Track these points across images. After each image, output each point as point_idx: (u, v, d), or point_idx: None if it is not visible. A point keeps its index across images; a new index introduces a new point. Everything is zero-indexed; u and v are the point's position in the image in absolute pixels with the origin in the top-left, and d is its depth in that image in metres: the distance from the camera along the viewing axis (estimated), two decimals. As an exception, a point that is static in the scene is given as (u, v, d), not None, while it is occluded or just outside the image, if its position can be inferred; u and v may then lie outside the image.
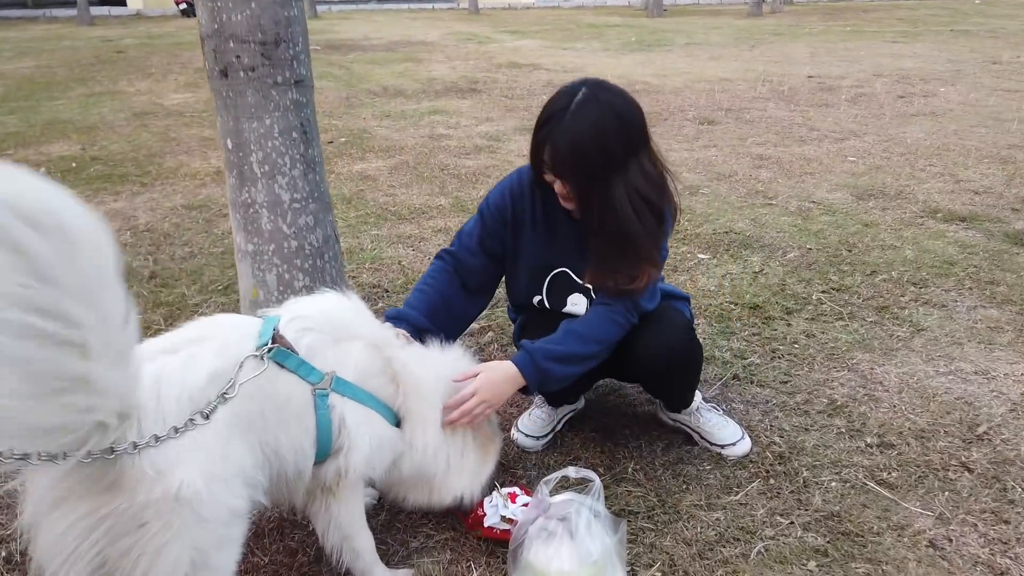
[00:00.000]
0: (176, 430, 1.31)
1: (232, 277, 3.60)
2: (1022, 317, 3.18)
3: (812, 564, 1.91)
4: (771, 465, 2.29)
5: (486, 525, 1.94)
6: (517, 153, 6.13)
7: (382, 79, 10.46)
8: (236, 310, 2.90)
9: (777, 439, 2.41)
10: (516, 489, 2.02)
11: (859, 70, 10.50)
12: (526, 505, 1.92)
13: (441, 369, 1.92)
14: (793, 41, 14.91)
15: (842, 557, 1.93)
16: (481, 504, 1.97)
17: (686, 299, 2.40)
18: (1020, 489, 2.16)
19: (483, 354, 2.96)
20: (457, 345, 2.04)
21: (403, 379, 1.78)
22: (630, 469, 2.29)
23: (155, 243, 4.19)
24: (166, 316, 3.26)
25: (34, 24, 21.49)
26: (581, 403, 2.60)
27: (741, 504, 2.13)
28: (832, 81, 9.57)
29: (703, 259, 3.87)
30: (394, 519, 2.10)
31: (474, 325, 3.08)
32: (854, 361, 2.87)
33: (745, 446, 2.35)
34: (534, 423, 2.45)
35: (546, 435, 2.44)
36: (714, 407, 2.44)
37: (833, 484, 2.20)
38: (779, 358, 2.90)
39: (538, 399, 2.48)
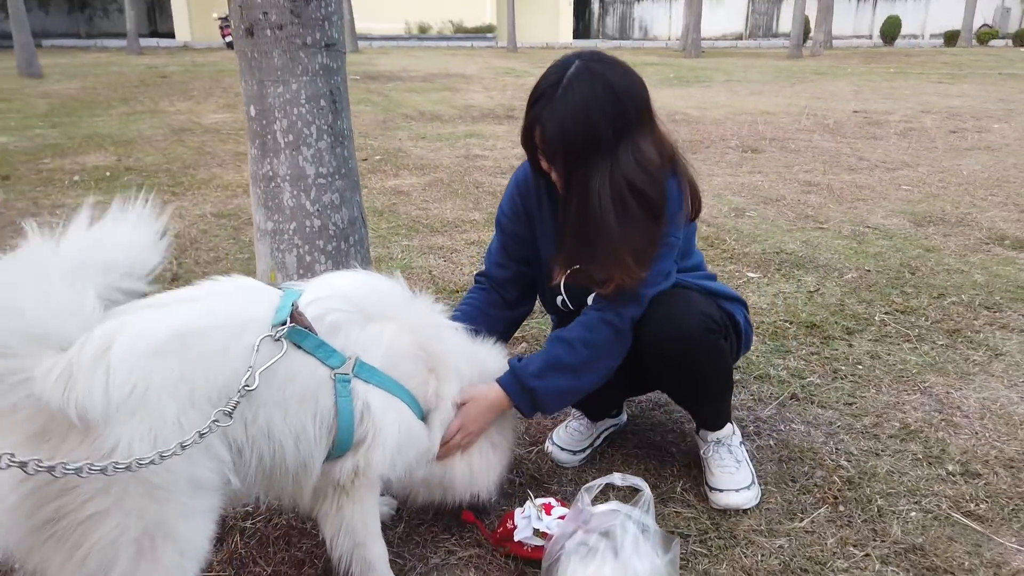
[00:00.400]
0: (201, 435, 1.19)
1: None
2: (1111, 345, 2.88)
3: (896, 603, 1.64)
4: (839, 491, 2.02)
5: (516, 539, 1.69)
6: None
7: (419, 105, 10.44)
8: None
9: (845, 463, 2.14)
10: (552, 500, 1.78)
11: (906, 107, 10.21)
12: (562, 518, 1.67)
13: (487, 365, 1.79)
14: (835, 80, 14.67)
15: (930, 596, 1.65)
16: (511, 516, 1.73)
17: (740, 302, 2.08)
18: None
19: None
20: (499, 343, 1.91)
21: (441, 369, 1.63)
22: (679, 489, 2.04)
23: (180, 248, 4.08)
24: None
25: (85, 52, 22.13)
26: (623, 418, 2.35)
27: (807, 532, 1.87)
28: (879, 116, 9.30)
29: (753, 277, 3.62)
30: (413, 532, 1.87)
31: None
32: (926, 384, 2.59)
33: (746, 497, 1.94)
34: (571, 436, 2.21)
35: (583, 450, 2.20)
36: (743, 444, 2.09)
37: (912, 514, 1.93)
38: (842, 379, 2.63)
39: (575, 411, 2.25)
